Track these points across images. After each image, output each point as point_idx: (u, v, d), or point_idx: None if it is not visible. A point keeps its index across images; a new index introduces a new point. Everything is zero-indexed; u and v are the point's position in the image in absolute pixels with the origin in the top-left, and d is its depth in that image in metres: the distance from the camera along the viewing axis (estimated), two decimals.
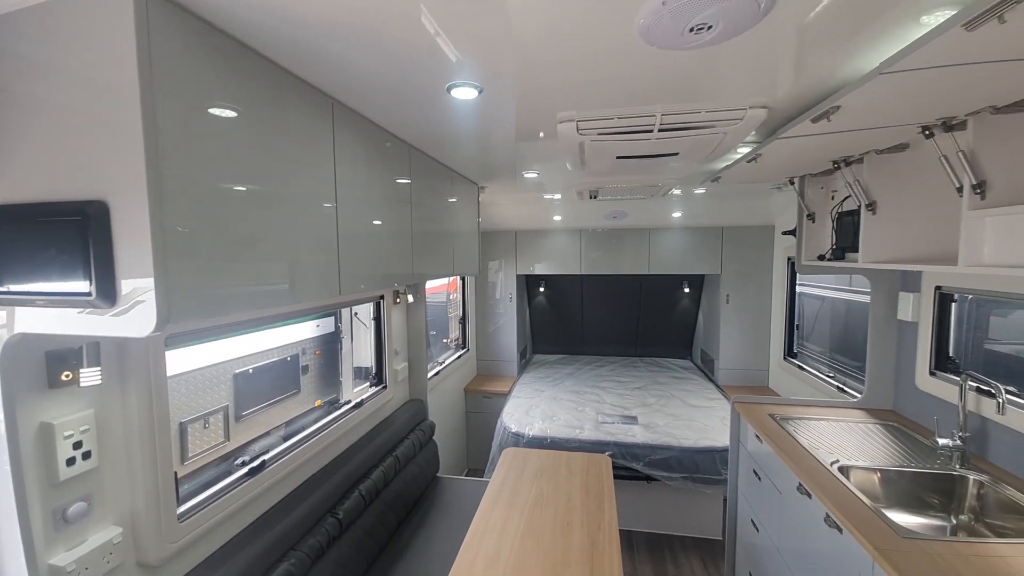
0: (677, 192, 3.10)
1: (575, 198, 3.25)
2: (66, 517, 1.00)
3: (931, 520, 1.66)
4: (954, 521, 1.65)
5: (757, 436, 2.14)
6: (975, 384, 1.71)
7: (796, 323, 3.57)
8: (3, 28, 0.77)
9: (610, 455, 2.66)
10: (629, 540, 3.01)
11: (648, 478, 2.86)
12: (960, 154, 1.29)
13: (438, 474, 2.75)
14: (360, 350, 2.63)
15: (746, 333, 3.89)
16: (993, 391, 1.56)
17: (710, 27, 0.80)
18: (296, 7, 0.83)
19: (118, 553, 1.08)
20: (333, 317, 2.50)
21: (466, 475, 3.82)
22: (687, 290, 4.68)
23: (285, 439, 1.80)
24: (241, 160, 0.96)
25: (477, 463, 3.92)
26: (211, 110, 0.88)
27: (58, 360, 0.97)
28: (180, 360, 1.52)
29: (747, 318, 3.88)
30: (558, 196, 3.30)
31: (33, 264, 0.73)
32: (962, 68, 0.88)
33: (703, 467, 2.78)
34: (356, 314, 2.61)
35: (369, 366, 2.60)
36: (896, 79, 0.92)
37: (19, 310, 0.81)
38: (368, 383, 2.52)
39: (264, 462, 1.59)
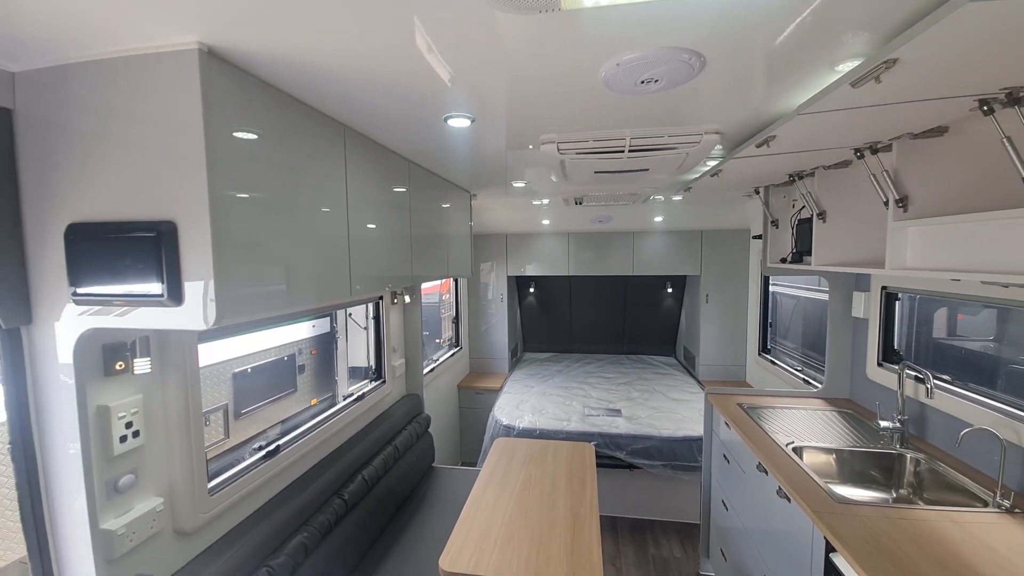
0: (659, 198, 3.31)
1: (562, 203, 3.45)
2: (117, 488, 1.16)
3: (875, 493, 1.87)
4: (894, 494, 1.86)
5: (727, 424, 2.34)
6: (912, 373, 1.94)
7: (770, 321, 3.80)
8: (78, 76, 0.94)
9: (595, 444, 2.86)
10: (614, 525, 3.21)
11: (631, 466, 3.06)
12: (885, 173, 1.50)
13: (433, 464, 2.93)
14: (355, 350, 2.75)
15: (725, 331, 4.11)
16: (923, 378, 1.77)
17: (657, 80, 1.00)
18: (328, 66, 1.01)
19: (160, 520, 1.25)
20: (329, 318, 2.61)
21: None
22: (670, 290, 4.90)
23: (281, 437, 1.87)
24: (272, 180, 1.14)
25: (470, 457, 4.09)
26: (249, 141, 1.06)
27: (112, 352, 1.14)
28: None
29: (725, 316, 4.10)
30: (546, 201, 3.50)
31: (112, 271, 0.90)
32: (862, 109, 1.08)
33: (681, 455, 2.99)
34: (351, 315, 2.73)
35: (364, 365, 2.73)
36: (813, 117, 1.12)
37: (88, 308, 0.98)
38: (367, 380, 2.68)
39: (279, 447, 1.76)
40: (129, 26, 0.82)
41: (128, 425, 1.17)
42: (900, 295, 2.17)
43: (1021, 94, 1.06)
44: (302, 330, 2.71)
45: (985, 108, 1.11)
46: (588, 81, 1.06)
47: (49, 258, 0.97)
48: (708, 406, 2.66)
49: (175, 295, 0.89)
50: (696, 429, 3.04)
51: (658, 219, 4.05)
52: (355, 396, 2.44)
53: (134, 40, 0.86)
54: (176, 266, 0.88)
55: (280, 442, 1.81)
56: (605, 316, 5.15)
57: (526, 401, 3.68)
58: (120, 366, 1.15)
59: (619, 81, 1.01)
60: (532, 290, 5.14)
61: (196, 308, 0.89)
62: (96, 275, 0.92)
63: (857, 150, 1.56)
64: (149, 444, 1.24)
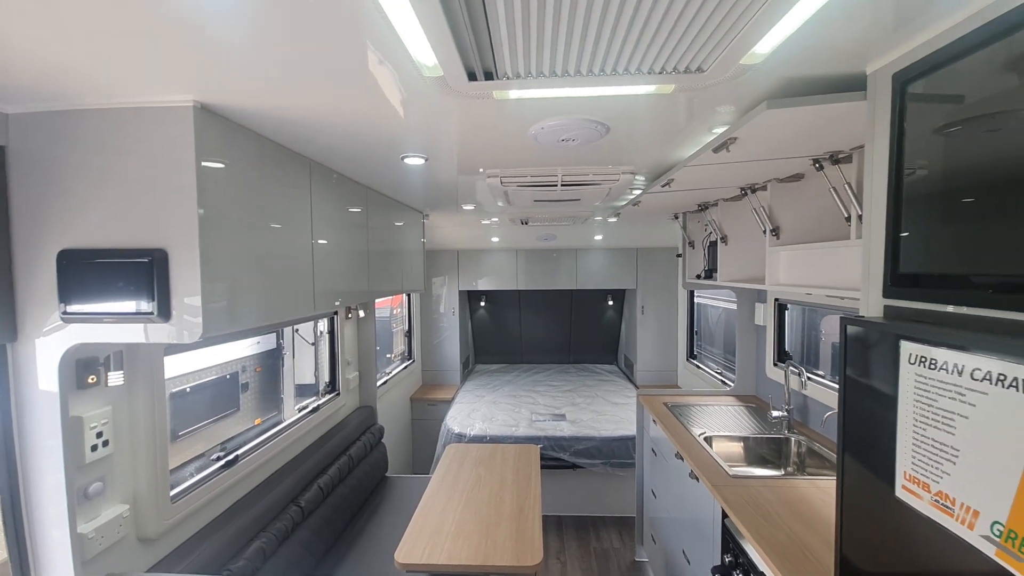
0: (598, 219, 3.66)
1: (510, 222, 3.72)
2: (87, 494, 1.24)
3: (769, 471, 2.23)
4: (783, 471, 2.23)
5: (654, 421, 2.66)
6: (795, 370, 2.34)
7: (696, 330, 4.25)
8: (76, 120, 1.06)
9: (541, 447, 3.09)
10: (559, 524, 3.44)
11: (574, 466, 3.32)
12: (762, 208, 1.88)
13: (387, 474, 3.03)
14: (302, 367, 2.76)
15: (659, 339, 4.52)
16: (799, 372, 2.17)
17: (574, 140, 1.27)
18: (303, 119, 1.20)
19: (126, 526, 1.33)
20: (275, 334, 2.59)
21: None
22: (611, 303, 5.30)
23: (222, 459, 1.84)
24: (249, 210, 1.28)
25: (423, 467, 4.18)
26: (231, 178, 1.20)
27: (85, 367, 1.23)
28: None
29: (659, 326, 4.51)
30: (496, 219, 3.75)
31: (104, 292, 1.02)
32: (726, 164, 1.42)
33: (619, 453, 3.28)
34: (297, 330, 2.75)
35: (312, 383, 2.74)
36: (695, 168, 1.44)
37: (75, 326, 1.08)
38: (316, 396, 2.70)
39: (237, 456, 1.84)
40: (129, 85, 0.97)
41: (99, 435, 1.25)
42: (788, 305, 2.60)
43: (840, 156, 1.44)
44: (246, 347, 2.69)
45: (817, 165, 1.48)
46: (521, 137, 1.31)
47: (38, 281, 1.06)
48: (639, 407, 2.98)
49: (164, 312, 1.02)
50: (631, 429, 3.35)
51: (598, 237, 4.42)
52: (310, 408, 2.52)
53: (133, 95, 1.00)
54: (166, 287, 1.02)
55: (239, 452, 1.88)
56: (552, 328, 5.46)
57: (477, 410, 3.86)
58: (92, 379, 1.23)
59: (545, 138, 1.28)
60: (483, 304, 5.35)
61: (184, 324, 1.03)
62: (87, 295, 1.03)
63: (742, 188, 1.93)
64: (116, 453, 1.32)
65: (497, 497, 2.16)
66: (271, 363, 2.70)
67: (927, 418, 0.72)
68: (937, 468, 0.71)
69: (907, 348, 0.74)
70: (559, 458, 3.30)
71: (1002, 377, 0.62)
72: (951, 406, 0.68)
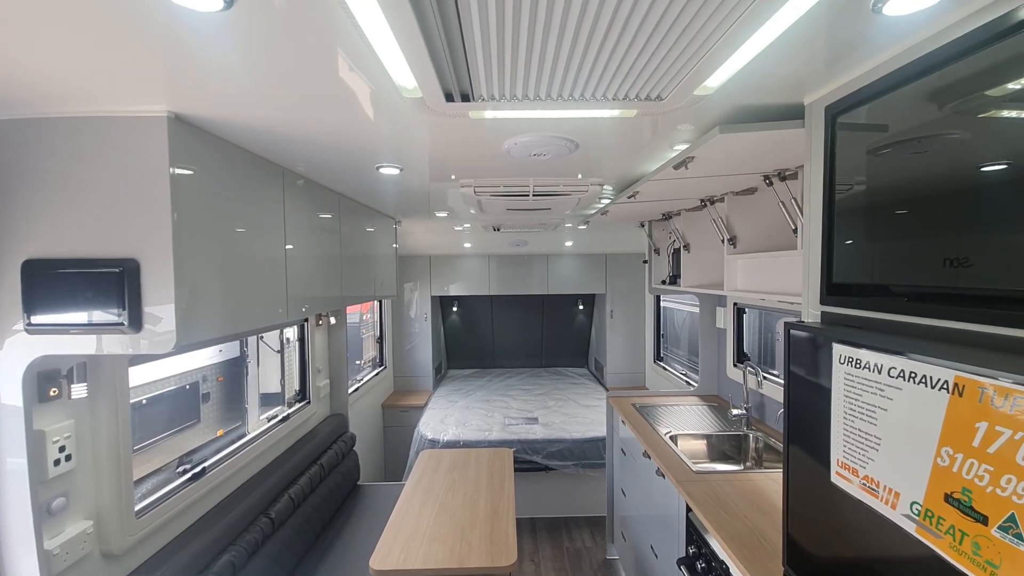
0: (569, 226, 3.76)
1: (482, 228, 3.77)
2: (50, 510, 1.20)
3: (729, 466, 2.36)
4: (742, 466, 2.36)
5: (623, 422, 2.76)
6: (752, 371, 2.49)
7: (662, 333, 4.41)
8: (46, 128, 1.04)
9: (514, 450, 3.13)
10: (533, 526, 3.49)
11: (547, 468, 3.38)
12: (720, 219, 2.00)
13: (359, 482, 3.00)
14: (267, 375, 2.69)
15: (627, 342, 4.66)
16: (755, 372, 2.31)
17: (545, 155, 1.34)
18: (279, 131, 1.21)
19: (90, 542, 1.29)
20: (239, 341, 2.51)
21: None
22: (581, 307, 5.42)
23: (188, 471, 1.77)
24: (222, 219, 1.28)
25: (395, 475, 4.15)
26: (205, 187, 1.20)
27: (46, 379, 1.19)
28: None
29: (628, 330, 4.65)
30: (468, 225, 3.79)
31: (72, 303, 1.00)
32: (687, 179, 1.52)
33: (590, 454, 3.37)
34: (262, 338, 2.69)
35: (278, 391, 2.67)
36: (658, 182, 1.54)
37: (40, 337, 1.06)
38: (282, 406, 2.65)
39: (204, 469, 1.80)
40: (101, 95, 0.96)
41: (61, 449, 1.21)
42: (746, 309, 2.76)
43: (786, 173, 1.57)
44: (207, 355, 2.61)
45: (767, 181, 1.61)
46: (495, 150, 1.37)
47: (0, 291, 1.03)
48: (609, 408, 3.08)
49: (135, 323, 1.02)
50: (601, 431, 3.45)
51: (568, 243, 4.52)
52: (280, 417, 2.48)
53: (105, 105, 0.99)
54: (137, 297, 1.01)
55: (206, 464, 1.84)
56: (524, 332, 5.53)
57: (450, 415, 3.87)
58: (54, 392, 1.20)
59: (518, 152, 1.34)
60: (455, 309, 5.36)
61: (155, 334, 1.02)
62: (53, 306, 1.01)
63: (702, 200, 2.06)
64: (79, 468, 1.28)
65: (471, 501, 2.19)
66: (234, 372, 2.62)
67: (854, 411, 0.82)
68: (864, 455, 0.81)
69: (838, 350, 0.84)
70: (532, 461, 3.36)
71: (913, 375, 0.72)
72: (873, 400, 0.78)
